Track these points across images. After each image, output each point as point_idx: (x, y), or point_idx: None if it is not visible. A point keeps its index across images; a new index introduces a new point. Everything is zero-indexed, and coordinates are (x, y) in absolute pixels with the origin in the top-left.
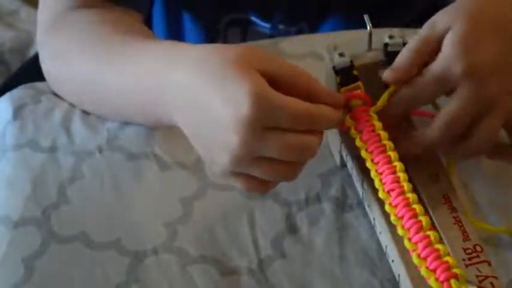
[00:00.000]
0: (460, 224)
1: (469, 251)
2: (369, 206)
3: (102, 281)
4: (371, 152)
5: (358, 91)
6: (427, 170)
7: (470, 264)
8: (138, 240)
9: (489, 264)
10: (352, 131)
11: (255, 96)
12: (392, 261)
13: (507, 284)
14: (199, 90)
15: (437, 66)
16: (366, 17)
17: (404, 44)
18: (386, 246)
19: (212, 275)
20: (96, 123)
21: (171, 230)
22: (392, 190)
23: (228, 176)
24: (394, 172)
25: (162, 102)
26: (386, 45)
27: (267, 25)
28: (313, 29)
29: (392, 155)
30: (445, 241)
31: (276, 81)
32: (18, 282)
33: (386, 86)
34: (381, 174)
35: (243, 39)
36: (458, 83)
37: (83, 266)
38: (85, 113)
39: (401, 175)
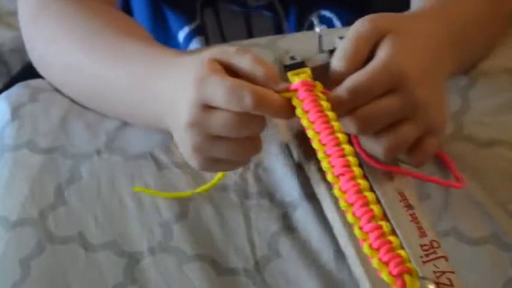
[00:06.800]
0: (417, 221)
1: (426, 247)
2: (324, 204)
3: (99, 282)
4: (318, 133)
5: (304, 75)
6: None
7: (428, 261)
8: (134, 241)
9: (446, 259)
10: (299, 111)
11: (198, 76)
12: (354, 266)
13: (503, 286)
14: (175, 86)
15: (375, 66)
16: (315, 19)
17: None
18: (345, 246)
19: (209, 273)
20: (94, 124)
21: (167, 229)
22: (343, 175)
23: (195, 161)
24: (344, 155)
25: (152, 105)
26: (331, 52)
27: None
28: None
29: (341, 137)
30: (402, 238)
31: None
32: (16, 282)
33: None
34: (329, 156)
35: (217, 19)
36: (391, 85)
37: (80, 267)
38: (83, 112)
39: (352, 159)
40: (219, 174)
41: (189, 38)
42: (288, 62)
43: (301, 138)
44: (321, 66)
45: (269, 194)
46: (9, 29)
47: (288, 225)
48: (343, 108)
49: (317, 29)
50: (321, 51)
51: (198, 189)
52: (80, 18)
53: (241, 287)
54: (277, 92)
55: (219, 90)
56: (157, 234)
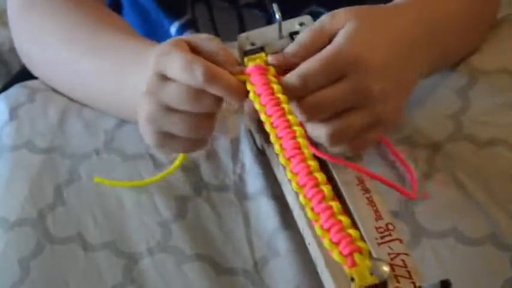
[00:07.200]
0: (373, 204)
1: (381, 229)
2: (284, 188)
3: (98, 282)
4: (270, 116)
5: (259, 60)
6: (340, 153)
7: (383, 243)
8: (133, 241)
9: (401, 241)
10: (252, 95)
11: (161, 51)
12: (309, 244)
13: (502, 285)
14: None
15: (328, 50)
16: (275, 6)
17: None
18: (303, 229)
19: (208, 273)
20: (92, 123)
21: (166, 229)
22: (293, 157)
23: (148, 134)
24: (295, 137)
25: (128, 93)
26: (292, 34)
27: None
28: None
29: (292, 118)
30: (357, 220)
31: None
32: (15, 283)
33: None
34: (281, 138)
35: (210, 14)
36: (345, 71)
37: (79, 267)
38: (80, 110)
39: (302, 141)
40: (180, 156)
41: (179, 32)
42: (248, 47)
43: (261, 123)
44: (280, 51)
45: (267, 191)
46: (9, 29)
47: (287, 222)
48: (294, 93)
49: (277, 16)
50: (281, 37)
51: (158, 176)
52: (65, 15)
53: (240, 287)
54: (232, 73)
55: (175, 62)
56: (156, 234)
